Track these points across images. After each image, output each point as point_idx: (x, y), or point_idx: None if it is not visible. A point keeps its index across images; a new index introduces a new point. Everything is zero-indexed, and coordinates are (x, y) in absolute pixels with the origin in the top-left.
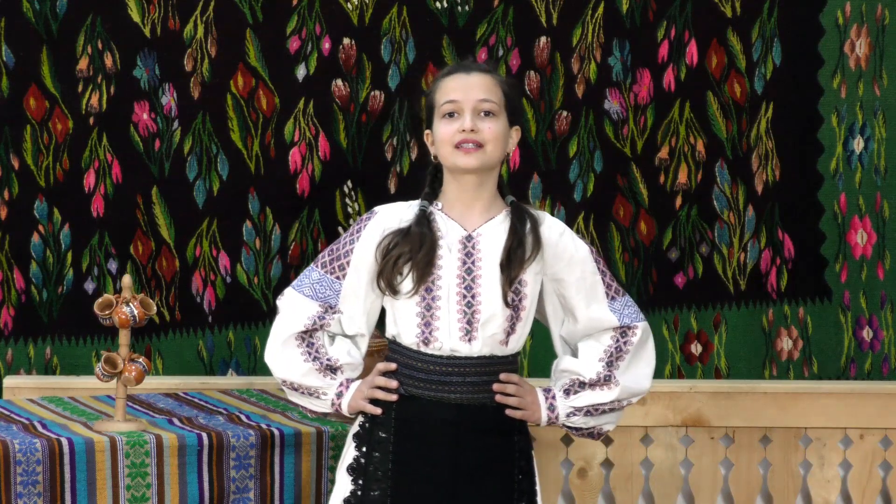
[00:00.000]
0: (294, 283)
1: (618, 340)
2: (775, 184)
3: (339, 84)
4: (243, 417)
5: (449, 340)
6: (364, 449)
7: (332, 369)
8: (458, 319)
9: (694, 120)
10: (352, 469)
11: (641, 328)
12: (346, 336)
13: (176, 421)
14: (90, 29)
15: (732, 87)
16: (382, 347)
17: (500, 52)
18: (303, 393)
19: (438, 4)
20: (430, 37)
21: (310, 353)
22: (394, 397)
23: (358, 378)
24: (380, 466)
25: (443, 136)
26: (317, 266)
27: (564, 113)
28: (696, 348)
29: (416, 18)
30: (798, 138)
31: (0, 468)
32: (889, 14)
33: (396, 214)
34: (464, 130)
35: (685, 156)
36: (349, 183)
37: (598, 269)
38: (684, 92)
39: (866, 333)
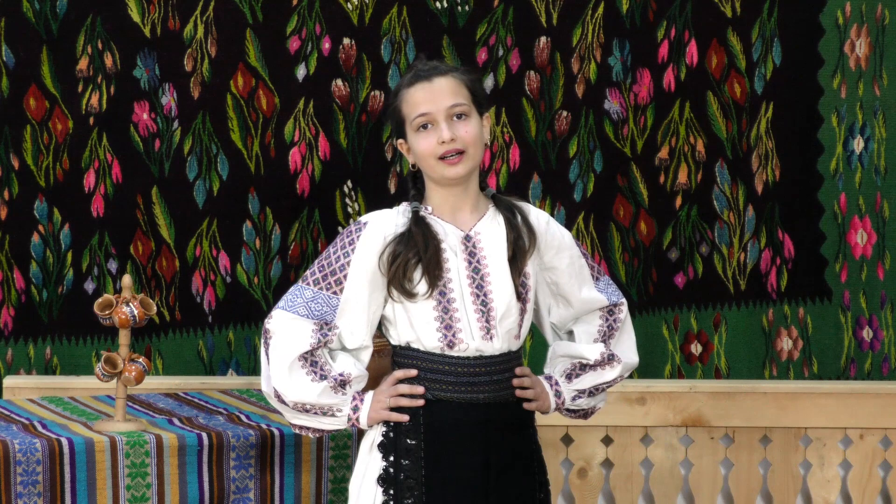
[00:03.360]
0: (281, 304)
1: (607, 319)
2: (775, 184)
3: (339, 84)
4: (243, 417)
5: (473, 341)
6: (392, 458)
7: (342, 384)
8: (478, 319)
9: (694, 120)
10: (382, 480)
11: (625, 304)
12: (346, 350)
13: (176, 421)
14: (90, 29)
15: (732, 87)
16: (384, 346)
17: (500, 52)
18: (315, 413)
19: (438, 4)
20: (430, 37)
21: (316, 373)
22: (420, 403)
23: (367, 388)
24: (411, 474)
25: (423, 151)
26: (308, 284)
27: (564, 113)
28: (696, 348)
29: (416, 18)
30: (798, 138)
31: (0, 468)
32: (889, 14)
33: (390, 220)
34: (444, 142)
35: (685, 156)
36: (349, 183)
37: (581, 252)
38: (684, 92)
39: (866, 333)
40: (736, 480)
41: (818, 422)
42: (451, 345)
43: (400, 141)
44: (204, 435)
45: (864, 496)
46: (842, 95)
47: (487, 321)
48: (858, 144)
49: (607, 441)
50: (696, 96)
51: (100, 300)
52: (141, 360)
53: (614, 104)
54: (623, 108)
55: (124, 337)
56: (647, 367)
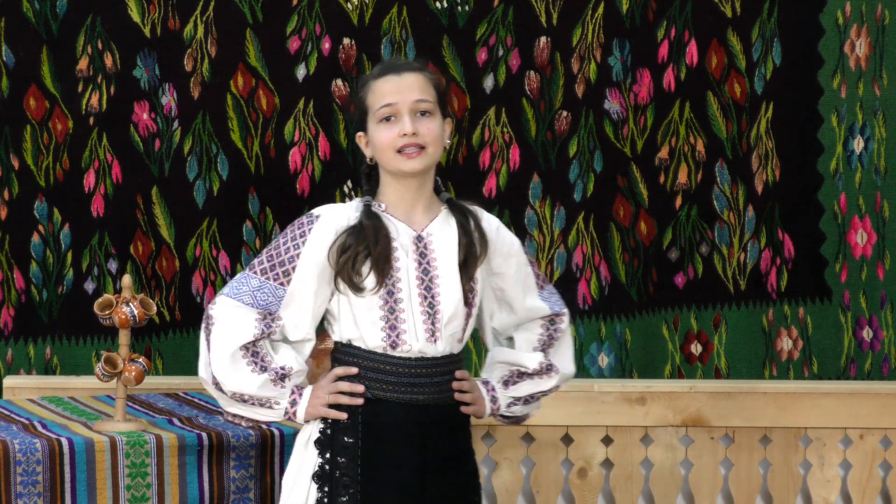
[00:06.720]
0: (227, 290)
1: (548, 328)
2: (775, 184)
3: (339, 84)
4: None
5: (417, 342)
6: (328, 455)
7: (282, 377)
8: (423, 321)
9: (694, 120)
10: (318, 477)
11: (566, 315)
12: (288, 342)
13: (176, 421)
14: (90, 29)
15: (732, 87)
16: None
17: (500, 52)
18: (253, 404)
19: (438, 4)
20: (430, 37)
21: (256, 364)
22: (360, 401)
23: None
24: (347, 472)
25: (383, 142)
26: (255, 272)
27: (564, 113)
28: (696, 348)
29: (416, 18)
30: (798, 138)
31: (0, 468)
32: (889, 14)
33: (343, 213)
34: (405, 134)
35: (685, 156)
36: (349, 183)
37: (528, 259)
38: (684, 92)
39: (866, 333)
40: (736, 480)
41: (818, 422)
42: (394, 345)
43: (359, 134)
44: (204, 435)
45: (864, 496)
46: (842, 95)
47: (433, 323)
48: (858, 144)
49: (607, 441)
50: (696, 96)
51: (100, 300)
52: (141, 360)
53: (614, 104)
54: (623, 108)
55: (124, 337)
56: (647, 367)
